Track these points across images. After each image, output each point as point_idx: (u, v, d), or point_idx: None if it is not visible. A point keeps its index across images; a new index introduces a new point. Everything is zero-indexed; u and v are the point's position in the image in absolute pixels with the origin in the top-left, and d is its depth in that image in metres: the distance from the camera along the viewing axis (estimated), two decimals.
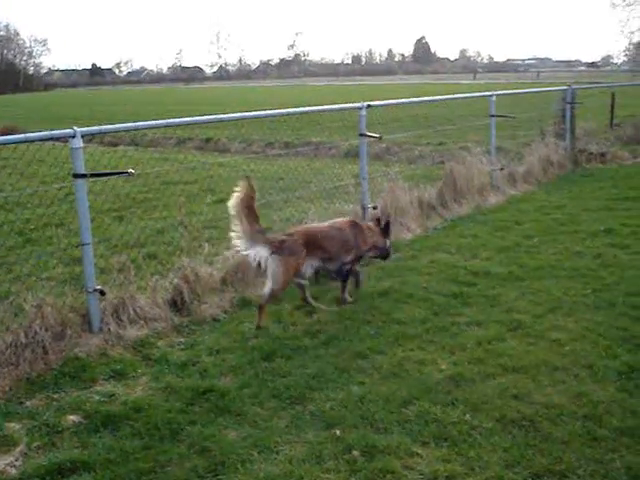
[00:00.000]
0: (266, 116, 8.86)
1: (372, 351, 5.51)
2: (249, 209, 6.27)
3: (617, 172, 13.94)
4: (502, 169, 12.09)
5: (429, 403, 4.60)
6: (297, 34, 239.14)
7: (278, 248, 6.28)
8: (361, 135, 8.70)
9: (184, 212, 8.10)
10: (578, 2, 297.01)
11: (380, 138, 8.90)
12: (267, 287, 6.33)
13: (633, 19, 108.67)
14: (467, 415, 4.42)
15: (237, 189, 6.25)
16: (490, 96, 11.91)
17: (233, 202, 6.22)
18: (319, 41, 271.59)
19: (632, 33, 50.78)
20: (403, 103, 11.47)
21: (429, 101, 12.59)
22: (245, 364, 5.40)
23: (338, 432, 4.30)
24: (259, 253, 6.26)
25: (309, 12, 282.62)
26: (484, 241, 8.66)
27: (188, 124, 9.41)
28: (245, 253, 6.35)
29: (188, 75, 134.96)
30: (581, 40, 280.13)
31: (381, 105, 9.63)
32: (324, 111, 9.14)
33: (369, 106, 8.71)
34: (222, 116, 8.53)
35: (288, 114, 8.51)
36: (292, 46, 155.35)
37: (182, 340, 6.00)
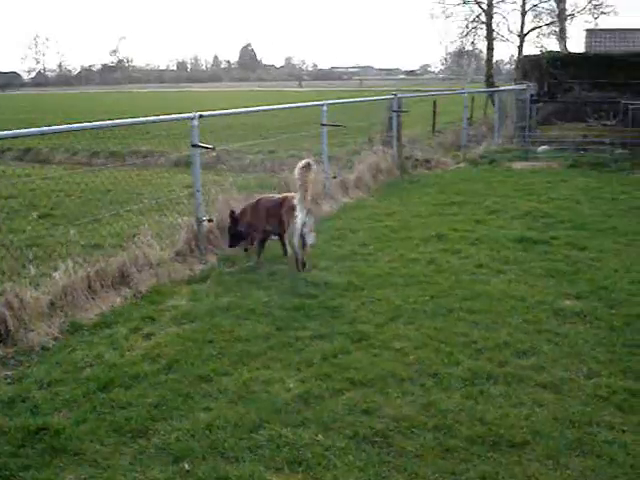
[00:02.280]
0: (93, 127, 8.35)
1: (216, 373, 5.27)
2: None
3: (442, 178, 14.51)
4: (335, 177, 12.21)
5: (280, 425, 4.43)
6: (120, 39, 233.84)
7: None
8: (194, 146, 8.42)
9: (4, 230, 7.48)
10: (398, 13, 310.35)
11: (214, 149, 8.67)
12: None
13: (450, 30, 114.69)
14: (319, 435, 4.29)
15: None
16: (322, 105, 11.97)
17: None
18: (143, 47, 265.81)
19: (452, 43, 53.21)
20: (237, 113, 11.28)
21: (264, 110, 12.48)
22: (80, 397, 4.98)
23: (187, 465, 4.03)
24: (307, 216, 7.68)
25: (133, 17, 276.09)
26: (321, 250, 8.64)
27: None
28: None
29: (4, 81, 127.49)
30: (401, 49, 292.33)
31: (214, 115, 9.38)
32: (156, 122, 8.75)
33: (201, 116, 8.45)
34: (44, 129, 7.88)
35: (116, 125, 8.07)
36: (115, 51, 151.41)
37: (8, 373, 5.45)
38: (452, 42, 37.18)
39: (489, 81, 30.08)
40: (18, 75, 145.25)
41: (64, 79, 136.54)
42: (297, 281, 7.45)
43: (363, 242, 9.05)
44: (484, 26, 31.50)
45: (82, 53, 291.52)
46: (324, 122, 11.92)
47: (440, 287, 7.06)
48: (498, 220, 10.09)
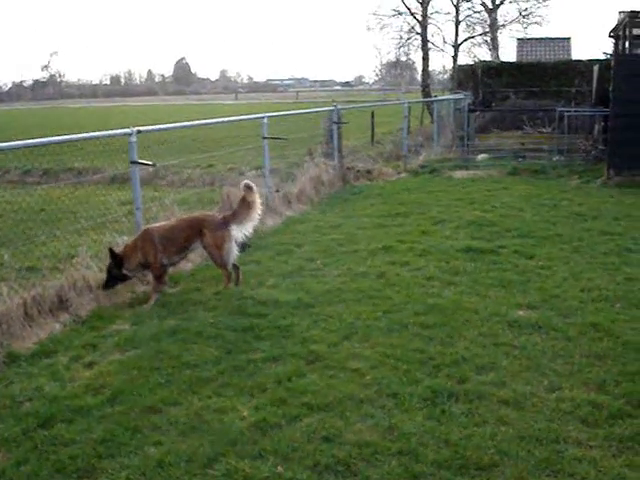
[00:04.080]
0: (25, 145, 7.89)
1: (165, 403, 4.98)
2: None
3: (384, 188, 14.43)
4: (277, 191, 12.00)
5: (236, 458, 4.19)
6: (52, 54, 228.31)
7: None
8: (132, 163, 8.11)
9: None
10: (331, 25, 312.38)
11: (154, 166, 8.38)
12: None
13: (385, 41, 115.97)
14: (279, 467, 4.06)
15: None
16: (262, 118, 11.76)
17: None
18: (75, 61, 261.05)
19: (388, 53, 53.74)
20: (176, 127, 10.96)
21: (205, 124, 12.18)
22: (20, 434, 4.63)
23: None
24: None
25: (64, 31, 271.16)
26: (267, 267, 8.42)
27: None
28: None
29: None
30: (335, 61, 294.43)
31: (153, 130, 9.08)
32: (92, 138, 8.39)
33: (139, 132, 8.16)
34: None
35: (50, 142, 7.68)
36: (47, 66, 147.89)
37: None
38: (388, 53, 37.42)
39: (425, 90, 30.32)
40: None
41: None
42: (244, 300, 7.20)
43: (310, 257, 8.85)
44: (419, 37, 31.79)
45: (13, 69, 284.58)
46: (265, 135, 11.71)
47: (392, 302, 6.90)
48: (444, 230, 10.02)
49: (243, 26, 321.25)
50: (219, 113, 36.02)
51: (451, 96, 23.22)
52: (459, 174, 15.77)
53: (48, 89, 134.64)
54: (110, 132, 8.44)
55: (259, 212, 7.86)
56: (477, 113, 19.90)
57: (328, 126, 15.52)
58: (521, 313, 6.48)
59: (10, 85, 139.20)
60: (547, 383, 5.00)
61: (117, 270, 7.37)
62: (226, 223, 7.64)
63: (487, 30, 35.15)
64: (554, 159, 15.95)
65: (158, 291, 7.46)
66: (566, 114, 16.50)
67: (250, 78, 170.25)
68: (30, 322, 6.68)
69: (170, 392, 5.15)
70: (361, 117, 23.17)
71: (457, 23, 33.75)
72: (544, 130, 18.60)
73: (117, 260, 7.34)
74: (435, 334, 5.99)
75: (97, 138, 8.38)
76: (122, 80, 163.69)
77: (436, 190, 13.69)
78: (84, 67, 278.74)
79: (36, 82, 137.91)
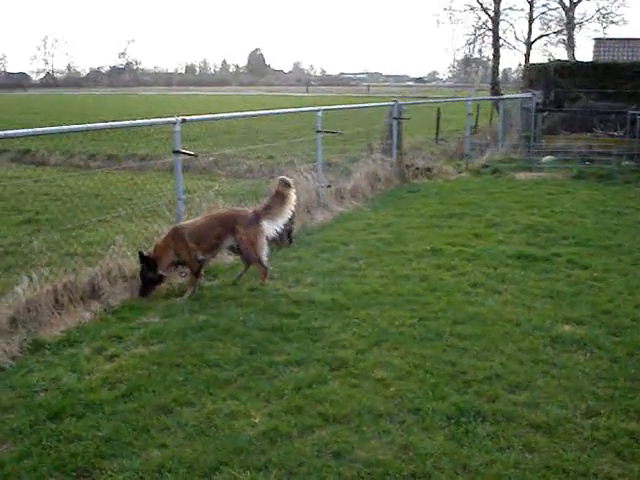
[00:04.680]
0: (70, 131, 7.80)
1: (178, 403, 4.80)
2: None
3: (442, 187, 14.02)
4: (329, 186, 11.74)
5: (239, 468, 3.96)
6: (129, 42, 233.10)
7: None
8: (175, 152, 7.97)
9: None
10: (407, 19, 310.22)
11: (195, 156, 8.23)
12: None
13: (457, 37, 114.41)
14: None
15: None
16: (317, 111, 11.50)
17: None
18: (152, 49, 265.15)
19: (457, 50, 52.80)
20: (222, 118, 10.84)
21: (248, 116, 12.02)
22: (27, 427, 4.53)
23: None
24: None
25: (141, 20, 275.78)
26: (308, 264, 8.17)
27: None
28: None
29: (13, 82, 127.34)
30: (410, 56, 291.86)
31: (197, 120, 8.93)
32: (133, 126, 8.31)
33: (184, 121, 8.01)
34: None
35: (88, 129, 7.60)
36: (124, 54, 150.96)
37: None
38: (458, 49, 36.66)
39: (494, 89, 29.57)
40: (27, 76, 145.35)
41: (73, 80, 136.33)
42: (279, 298, 6.98)
43: (354, 256, 8.57)
44: (491, 33, 30.99)
45: (91, 55, 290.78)
46: (319, 128, 11.45)
47: (430, 308, 6.57)
48: (497, 234, 9.59)
49: (319, 18, 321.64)
50: (286, 104, 35.98)
51: (518, 95, 22.50)
52: (522, 176, 15.20)
53: (124, 76, 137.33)
54: (154, 120, 8.33)
55: (292, 209, 7.62)
56: (545, 113, 19.21)
57: (388, 122, 15.15)
58: (567, 328, 6.06)
59: (88, 71, 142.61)
60: (584, 408, 4.61)
61: (152, 273, 7.14)
62: (257, 218, 7.44)
63: (562, 28, 34.08)
64: (623, 164, 15.22)
65: (194, 285, 7.29)
66: (638, 117, 15.73)
67: (323, 71, 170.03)
68: (60, 310, 6.60)
69: (185, 392, 4.97)
70: (429, 114, 22.71)
71: (531, 20, 32.83)
72: (615, 133, 17.80)
73: (150, 263, 7.13)
74: (470, 346, 5.64)
75: (139, 126, 8.26)
76: (197, 69, 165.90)
77: (496, 191, 13.21)
78: (161, 55, 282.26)
79: (113, 69, 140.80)
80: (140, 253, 7.18)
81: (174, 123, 7.89)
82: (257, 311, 6.61)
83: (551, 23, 34.44)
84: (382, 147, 15.39)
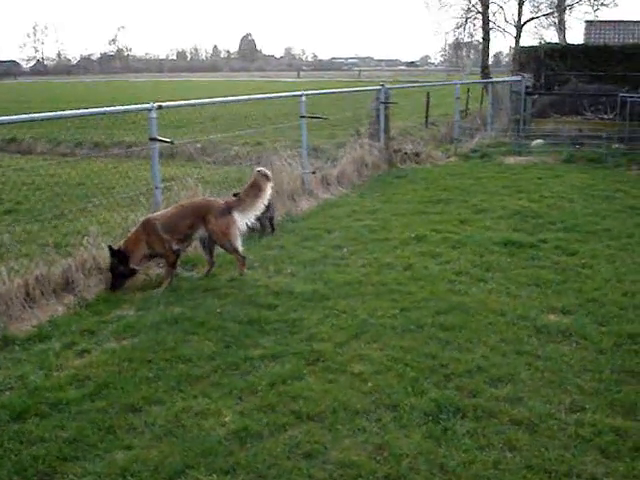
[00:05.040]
0: (48, 118, 7.52)
1: (147, 401, 4.60)
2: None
3: (430, 172, 13.80)
4: (314, 172, 11.52)
5: (205, 471, 3.78)
6: (119, 28, 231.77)
7: None
8: (152, 140, 7.74)
9: None
10: (398, 3, 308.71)
11: (172, 143, 8.00)
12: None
13: (445, 20, 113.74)
14: None
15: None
16: (300, 96, 11.27)
17: None
18: (143, 36, 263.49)
19: (447, 34, 52.28)
20: (201, 104, 10.56)
21: (230, 101, 11.69)
22: None
23: None
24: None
25: (132, 6, 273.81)
26: (290, 253, 7.97)
27: None
28: None
29: (3, 70, 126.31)
30: (401, 40, 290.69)
31: (174, 106, 8.69)
32: (109, 113, 8.07)
33: (160, 107, 7.78)
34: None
35: (60, 117, 7.38)
36: (114, 41, 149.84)
37: None
38: (447, 33, 36.17)
39: (484, 72, 29.25)
40: (17, 64, 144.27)
41: (63, 68, 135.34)
42: (258, 289, 6.79)
43: (338, 244, 8.37)
44: (480, 16, 30.64)
45: (81, 42, 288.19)
46: (303, 113, 11.21)
47: (413, 298, 6.38)
48: (484, 220, 9.40)
49: (310, 3, 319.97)
50: (275, 89, 35.64)
51: (507, 78, 22.24)
52: (511, 160, 15.00)
53: (115, 63, 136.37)
54: (129, 107, 8.09)
55: (266, 202, 7.41)
56: (535, 97, 18.97)
57: (375, 106, 14.90)
58: (552, 318, 5.87)
59: (78, 58, 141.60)
60: (569, 402, 4.43)
61: (124, 267, 6.88)
62: (229, 209, 7.23)
63: (553, 11, 33.70)
64: (613, 147, 15.01)
65: (171, 276, 7.09)
66: (629, 100, 15.51)
67: (315, 56, 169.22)
68: (32, 304, 6.41)
69: (155, 389, 4.78)
70: (420, 98, 22.44)
71: (521, 2, 32.39)
72: (605, 116, 17.58)
73: (121, 256, 6.87)
74: (453, 337, 5.46)
75: (114, 113, 8.03)
76: (188, 55, 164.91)
77: (484, 176, 13.00)
78: (152, 42, 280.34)
79: (103, 56, 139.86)
80: (110, 247, 6.92)
81: (149, 110, 7.67)
82: (235, 303, 6.42)
83: (542, 5, 34.00)
84: (369, 132, 15.16)
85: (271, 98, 12.71)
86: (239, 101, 11.64)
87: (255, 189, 7.30)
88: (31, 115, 7.28)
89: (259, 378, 4.86)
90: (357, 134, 15.31)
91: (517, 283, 6.76)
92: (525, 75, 19.66)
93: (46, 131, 22.25)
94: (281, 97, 12.47)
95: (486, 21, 30.07)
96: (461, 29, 33.29)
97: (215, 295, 6.65)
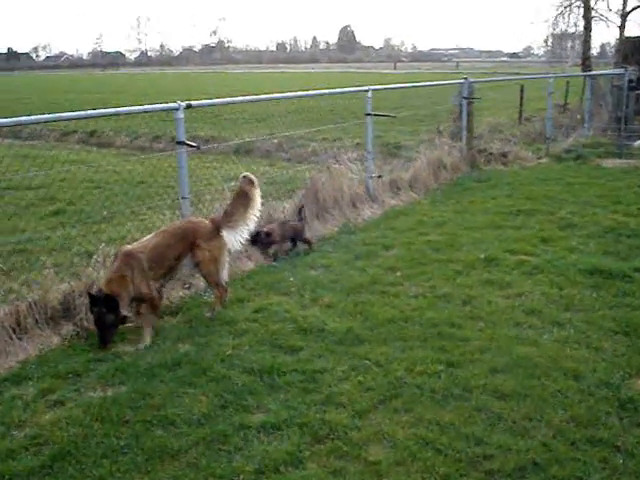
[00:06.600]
0: (69, 118, 6.68)
1: None
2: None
3: (516, 176, 12.38)
4: (380, 176, 10.35)
5: None
6: (220, 20, 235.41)
7: None
8: (179, 143, 6.79)
9: None
10: None
11: (198, 148, 7.01)
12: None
13: (546, 10, 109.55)
14: None
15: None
16: (366, 91, 10.10)
17: None
18: (243, 28, 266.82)
19: (546, 21, 49.50)
20: (233, 102, 9.57)
21: (268, 99, 10.60)
22: None
23: None
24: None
25: None
26: (334, 277, 6.87)
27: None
28: None
29: (109, 60, 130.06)
30: (504, 31, 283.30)
31: (203, 105, 7.71)
32: (131, 112, 7.23)
33: (189, 106, 6.82)
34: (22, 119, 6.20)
35: (78, 118, 6.49)
36: (215, 32, 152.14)
37: None
38: (546, 21, 34.04)
39: (585, 64, 27.18)
40: (122, 55, 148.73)
41: (166, 59, 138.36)
42: (285, 324, 5.72)
43: (392, 265, 7.22)
44: (581, 4, 28.49)
45: (183, 34, 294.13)
46: (368, 111, 10.04)
47: (466, 347, 5.14)
48: (570, 239, 8.00)
49: None
50: (365, 82, 34.45)
51: (608, 71, 20.33)
52: (609, 163, 13.36)
53: (216, 54, 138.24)
54: (154, 106, 7.10)
55: (257, 213, 6.31)
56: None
57: (457, 101, 13.56)
58: None
59: (180, 50, 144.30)
60: None
61: (113, 315, 5.46)
62: (217, 229, 6.15)
63: None
64: None
65: (153, 324, 5.74)
66: None
67: (414, 47, 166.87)
68: (21, 334, 5.55)
69: (117, 467, 3.80)
70: (516, 92, 20.82)
71: None
72: None
73: (108, 303, 5.44)
74: (508, 412, 4.21)
75: (136, 113, 7.17)
76: (287, 47, 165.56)
77: (576, 182, 11.48)
78: (252, 34, 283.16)
79: (205, 47, 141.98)
80: (89, 294, 5.54)
81: (176, 109, 6.70)
82: (251, 342, 5.38)
83: None
84: (451, 130, 13.85)
85: (333, 94, 11.53)
86: (289, 97, 10.47)
87: (242, 198, 6.24)
88: (47, 116, 6.34)
89: (245, 461, 3.78)
90: (438, 132, 14.05)
91: (601, 330, 5.43)
92: (629, 68, 17.76)
93: (125, 124, 21.90)
94: (344, 92, 11.30)
95: (588, 9, 27.91)
96: (560, 17, 31.15)
97: (232, 331, 5.63)
